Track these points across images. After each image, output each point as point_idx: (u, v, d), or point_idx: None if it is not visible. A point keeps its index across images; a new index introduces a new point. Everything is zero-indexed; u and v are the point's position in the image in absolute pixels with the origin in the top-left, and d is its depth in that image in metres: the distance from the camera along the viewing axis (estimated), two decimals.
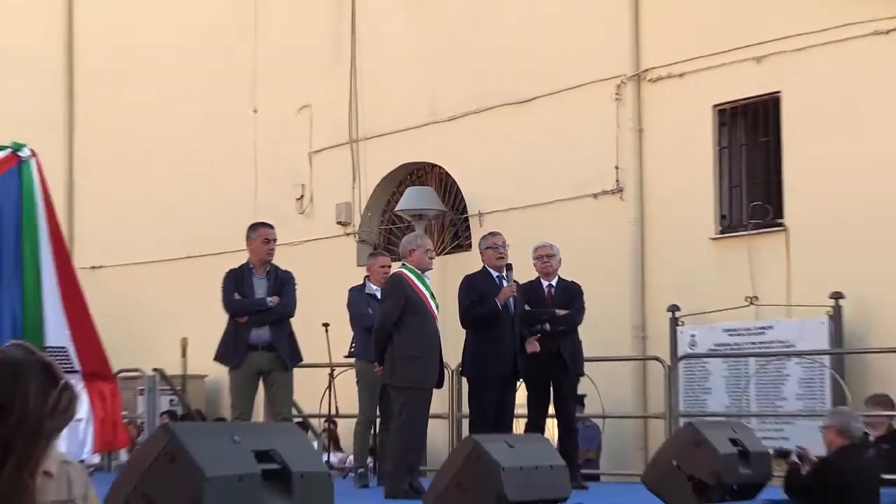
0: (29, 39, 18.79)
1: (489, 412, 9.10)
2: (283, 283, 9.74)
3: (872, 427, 9.50)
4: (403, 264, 9.25)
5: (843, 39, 10.42)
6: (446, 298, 9.60)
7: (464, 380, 10.04)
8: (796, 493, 8.14)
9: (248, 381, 9.61)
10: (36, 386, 2.23)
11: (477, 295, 9.29)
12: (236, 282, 9.74)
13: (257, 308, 9.60)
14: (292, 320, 9.82)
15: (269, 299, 9.59)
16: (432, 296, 9.07)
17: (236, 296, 9.69)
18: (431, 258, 9.41)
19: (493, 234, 9.74)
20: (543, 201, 12.21)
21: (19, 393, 2.20)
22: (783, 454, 8.52)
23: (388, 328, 8.91)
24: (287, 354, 9.65)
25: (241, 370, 9.58)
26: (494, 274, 9.36)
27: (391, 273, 9.70)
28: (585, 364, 9.84)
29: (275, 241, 9.93)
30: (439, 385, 9.33)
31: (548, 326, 9.48)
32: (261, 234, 9.88)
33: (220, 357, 9.83)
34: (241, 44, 15.55)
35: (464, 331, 9.50)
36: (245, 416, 9.59)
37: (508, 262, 9.43)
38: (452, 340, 9.57)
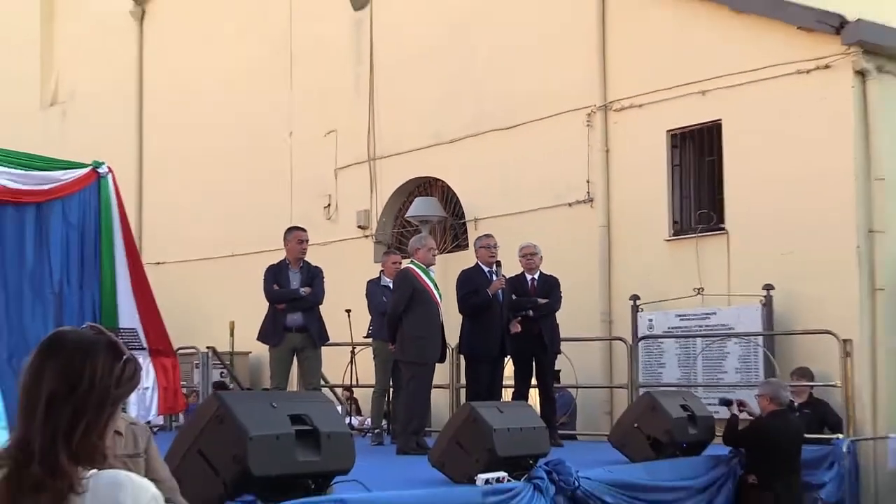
0: (107, 76, 18.84)
1: (483, 384, 9.10)
2: (313, 276, 9.76)
3: (797, 395, 9.51)
4: (412, 261, 9.24)
5: (773, 77, 10.39)
6: (447, 289, 9.58)
7: (461, 357, 10.05)
8: (733, 444, 8.16)
9: (284, 356, 9.64)
10: (103, 360, 2.22)
11: (472, 287, 9.29)
12: (275, 275, 9.77)
13: (292, 297, 9.62)
14: (321, 307, 9.83)
15: (301, 290, 9.62)
16: (436, 286, 9.08)
17: (275, 287, 9.70)
18: (434, 255, 9.41)
19: (486, 236, 9.74)
20: (528, 209, 12.19)
21: (88, 366, 2.20)
22: (726, 402, 8.51)
23: (398, 314, 8.92)
24: (317, 335, 9.67)
25: (280, 348, 9.60)
26: (486, 269, 9.36)
27: (401, 268, 9.70)
28: (561, 343, 9.86)
29: (307, 241, 9.96)
30: (441, 360, 9.34)
31: (531, 312, 9.48)
32: (295, 235, 9.91)
33: (262, 337, 9.85)
34: (281, 82, 15.59)
35: (454, 314, 9.49)
36: (282, 386, 9.61)
37: (498, 259, 9.42)
38: (453, 323, 9.55)
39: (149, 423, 11.42)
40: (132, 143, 18.13)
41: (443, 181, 13.63)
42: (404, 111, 13.91)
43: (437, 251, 9.73)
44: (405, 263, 9.81)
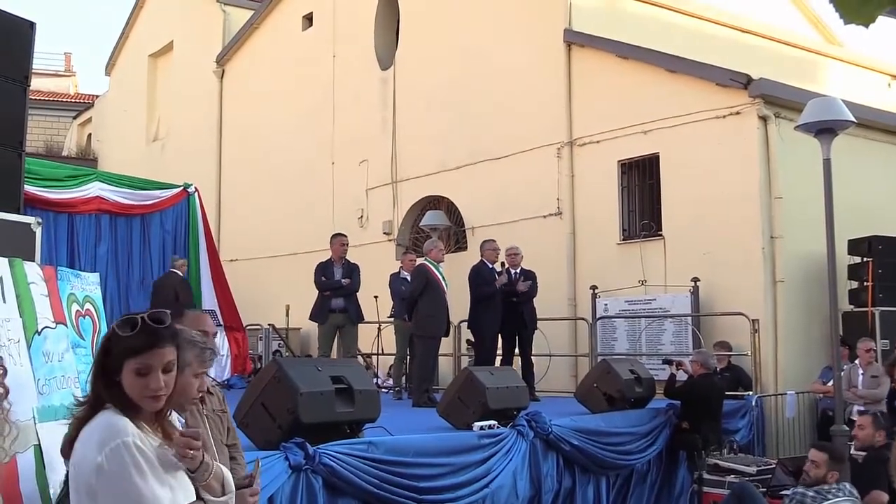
0: (195, 119, 18.83)
1: (487, 352, 8.95)
2: (352, 270, 9.78)
3: (718, 362, 9.41)
4: (426, 258, 9.12)
5: (698, 121, 10.30)
6: (453, 280, 9.49)
7: (461, 332, 9.93)
8: (671, 398, 8.05)
9: (329, 332, 9.62)
10: (117, 329, 2.21)
11: (482, 280, 9.12)
12: (323, 270, 9.83)
13: (335, 286, 9.62)
14: (358, 293, 9.77)
15: (342, 280, 9.60)
16: (443, 277, 8.98)
17: (323, 279, 9.69)
18: (443, 254, 9.31)
19: (492, 240, 9.57)
20: (512, 220, 12.10)
21: (111, 331, 2.23)
22: (668, 361, 8.42)
23: (415, 298, 8.81)
24: (354, 315, 9.65)
25: (325, 325, 9.60)
26: (489, 265, 9.23)
27: (418, 264, 9.58)
28: (539, 322, 9.76)
29: (347, 244, 9.97)
30: (446, 335, 9.21)
31: (521, 288, 9.30)
32: (338, 240, 9.96)
33: (312, 317, 9.86)
34: (326, 123, 15.56)
35: (457, 299, 9.37)
36: (326, 355, 9.55)
37: (502, 261, 9.34)
38: (456, 306, 9.46)
39: (226, 381, 11.38)
40: (213, 169, 18.13)
41: (448, 198, 13.56)
42: (419, 146, 13.83)
43: (444, 251, 9.63)
44: (420, 260, 9.71)
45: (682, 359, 8.52)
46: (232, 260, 16.13)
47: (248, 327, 12.92)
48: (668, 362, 8.39)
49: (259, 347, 13.40)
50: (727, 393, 8.43)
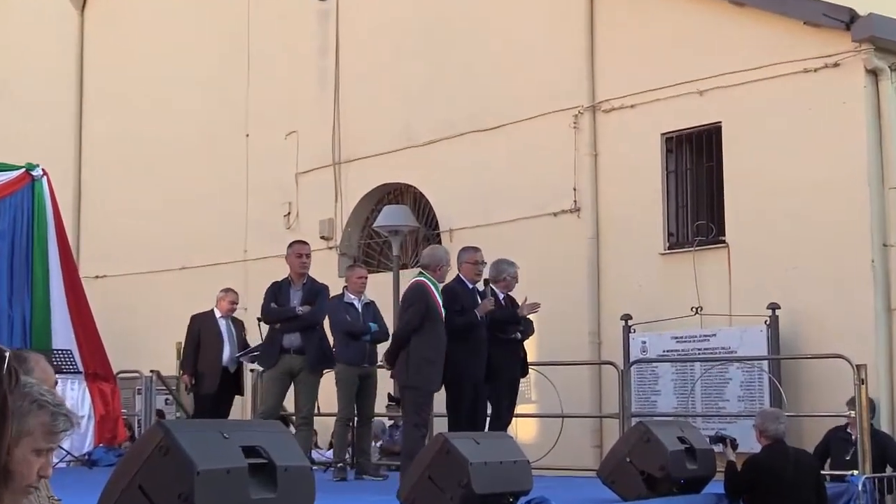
0: (43, 66, 18.69)
1: (464, 412, 8.86)
2: (316, 294, 9.76)
3: (853, 427, 9.38)
4: (422, 273, 8.95)
5: (777, 76, 10.43)
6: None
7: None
8: (736, 494, 8.03)
9: (279, 380, 9.72)
10: None
11: (459, 305, 9.01)
12: (275, 293, 9.86)
13: (287, 316, 9.59)
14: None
15: (299, 308, 9.59)
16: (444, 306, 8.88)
17: (273, 305, 9.77)
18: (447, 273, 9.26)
19: (473, 249, 9.29)
20: (508, 219, 12.14)
21: None
22: (719, 439, 8.41)
23: (409, 332, 8.58)
24: (314, 359, 9.61)
25: (274, 371, 9.60)
26: (470, 285, 9.12)
27: (414, 281, 9.22)
28: (546, 367, 9.73)
29: (307, 255, 10.05)
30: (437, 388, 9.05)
31: (519, 335, 9.25)
32: (294, 250, 10.06)
33: (258, 359, 9.93)
34: (236, 75, 15.54)
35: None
36: (272, 411, 9.57)
37: (485, 277, 9.21)
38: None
39: (86, 456, 11.25)
40: (70, 144, 18.02)
41: (415, 188, 13.58)
42: (373, 110, 13.86)
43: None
44: (415, 276, 9.51)
45: (733, 438, 8.51)
46: (98, 276, 16.01)
47: (121, 375, 12.81)
48: (720, 440, 8.36)
49: (137, 405, 13.26)
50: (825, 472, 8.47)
